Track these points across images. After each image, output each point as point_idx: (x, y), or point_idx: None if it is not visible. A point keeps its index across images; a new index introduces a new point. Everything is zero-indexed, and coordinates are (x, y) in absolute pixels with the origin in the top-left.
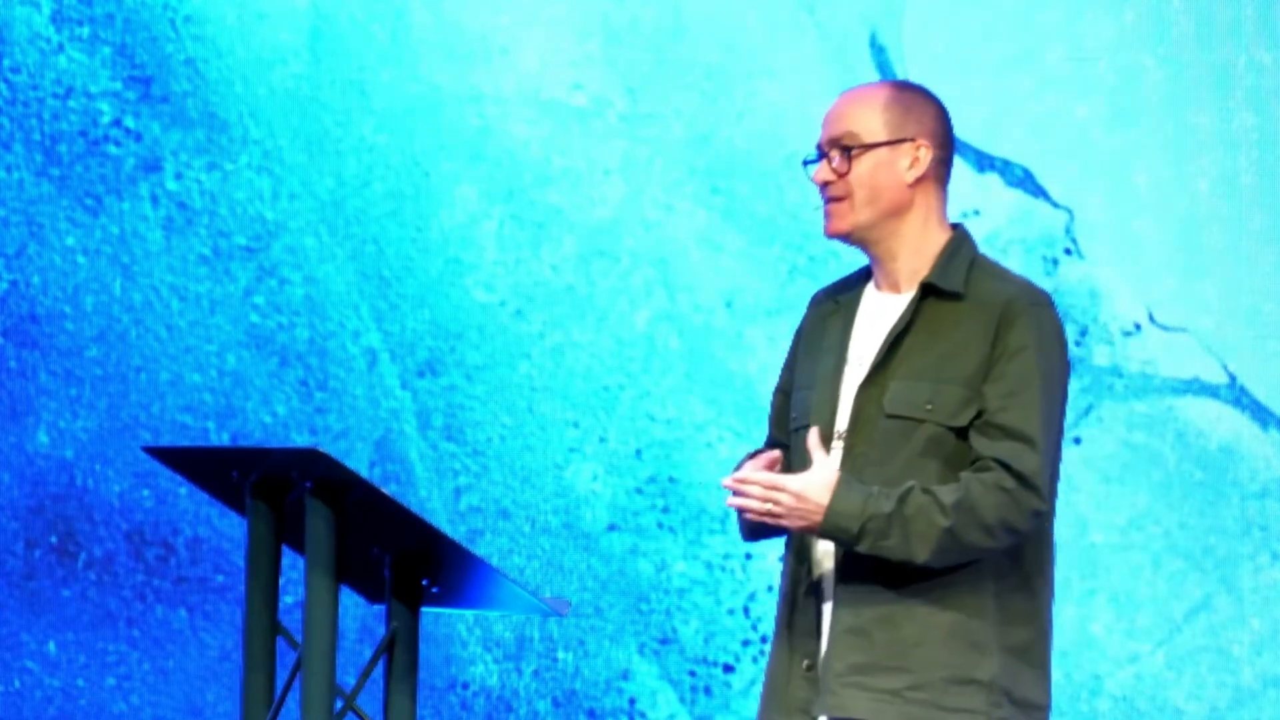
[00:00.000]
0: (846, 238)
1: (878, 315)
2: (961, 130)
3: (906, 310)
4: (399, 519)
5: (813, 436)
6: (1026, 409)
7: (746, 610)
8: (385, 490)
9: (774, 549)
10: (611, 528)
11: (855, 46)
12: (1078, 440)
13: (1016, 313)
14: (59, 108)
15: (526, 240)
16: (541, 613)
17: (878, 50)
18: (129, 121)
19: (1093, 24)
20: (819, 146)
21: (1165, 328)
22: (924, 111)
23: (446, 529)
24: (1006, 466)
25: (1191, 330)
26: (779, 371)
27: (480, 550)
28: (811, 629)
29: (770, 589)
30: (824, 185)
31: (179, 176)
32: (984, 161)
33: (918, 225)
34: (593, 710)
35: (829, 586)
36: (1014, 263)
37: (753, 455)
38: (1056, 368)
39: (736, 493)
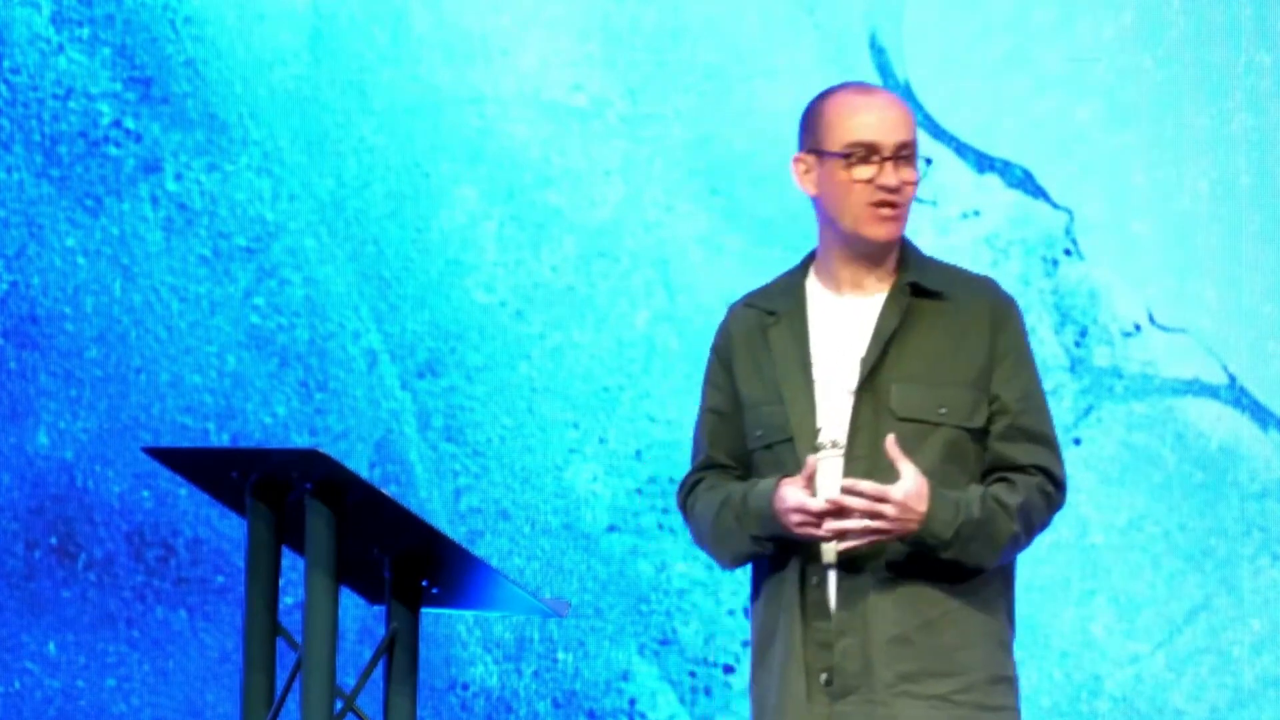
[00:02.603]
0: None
1: (842, 318)
2: (961, 131)
3: (890, 310)
4: (399, 520)
5: (892, 445)
6: (1040, 412)
7: (746, 611)
8: (385, 491)
9: None
10: (611, 529)
11: (855, 47)
12: (1078, 441)
13: (1005, 313)
14: (59, 109)
15: (526, 241)
16: (541, 613)
17: (878, 51)
18: (129, 122)
19: (1091, 25)
20: (892, 148)
21: (1165, 328)
22: None
23: (446, 530)
24: (1045, 471)
25: (1191, 330)
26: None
27: (480, 551)
28: (826, 641)
29: None
30: (899, 189)
31: (179, 177)
32: (984, 162)
33: None
34: (593, 711)
35: (838, 598)
36: (1014, 264)
37: (779, 480)
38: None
39: (837, 508)
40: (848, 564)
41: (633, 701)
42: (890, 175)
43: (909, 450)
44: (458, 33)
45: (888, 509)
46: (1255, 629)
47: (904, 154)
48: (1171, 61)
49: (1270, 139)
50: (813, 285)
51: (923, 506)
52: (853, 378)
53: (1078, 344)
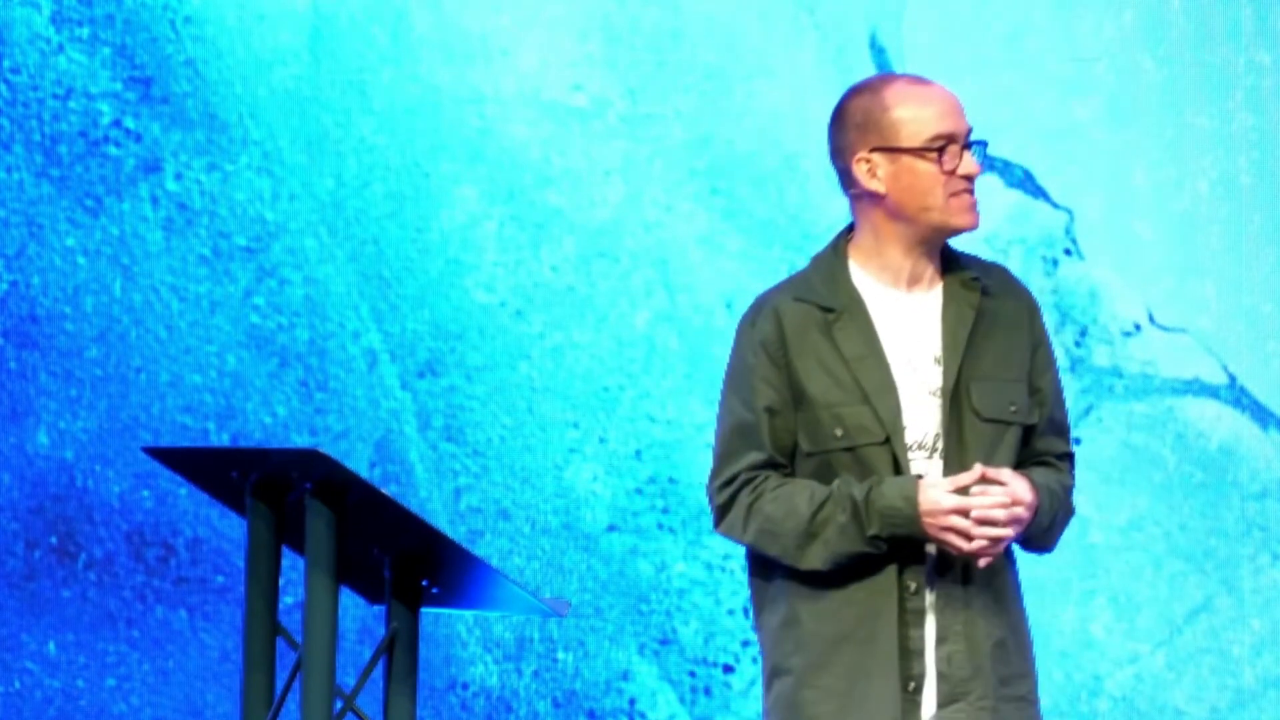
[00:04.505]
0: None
1: (905, 315)
2: None
3: (962, 308)
4: (399, 520)
5: (986, 472)
6: (1063, 402)
7: (747, 611)
8: (385, 491)
9: None
10: (611, 528)
11: (855, 47)
12: (1078, 441)
13: (1035, 306)
14: (59, 108)
15: (526, 241)
16: (541, 613)
17: (878, 51)
18: (129, 122)
19: (1092, 25)
20: (965, 136)
21: (1165, 328)
22: None
23: (446, 529)
24: (1071, 460)
25: (1191, 330)
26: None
27: (480, 551)
28: (919, 650)
29: None
30: (972, 177)
31: (179, 177)
32: (984, 161)
33: None
34: (593, 710)
35: (935, 604)
36: (1014, 263)
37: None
38: None
39: (982, 520)
40: (942, 570)
41: (633, 701)
42: (970, 164)
43: (990, 451)
44: (458, 33)
45: (1020, 511)
46: (1255, 629)
47: (973, 140)
48: (1172, 61)
49: (1271, 139)
50: (862, 279)
51: (1031, 497)
52: (931, 378)
53: (1078, 344)
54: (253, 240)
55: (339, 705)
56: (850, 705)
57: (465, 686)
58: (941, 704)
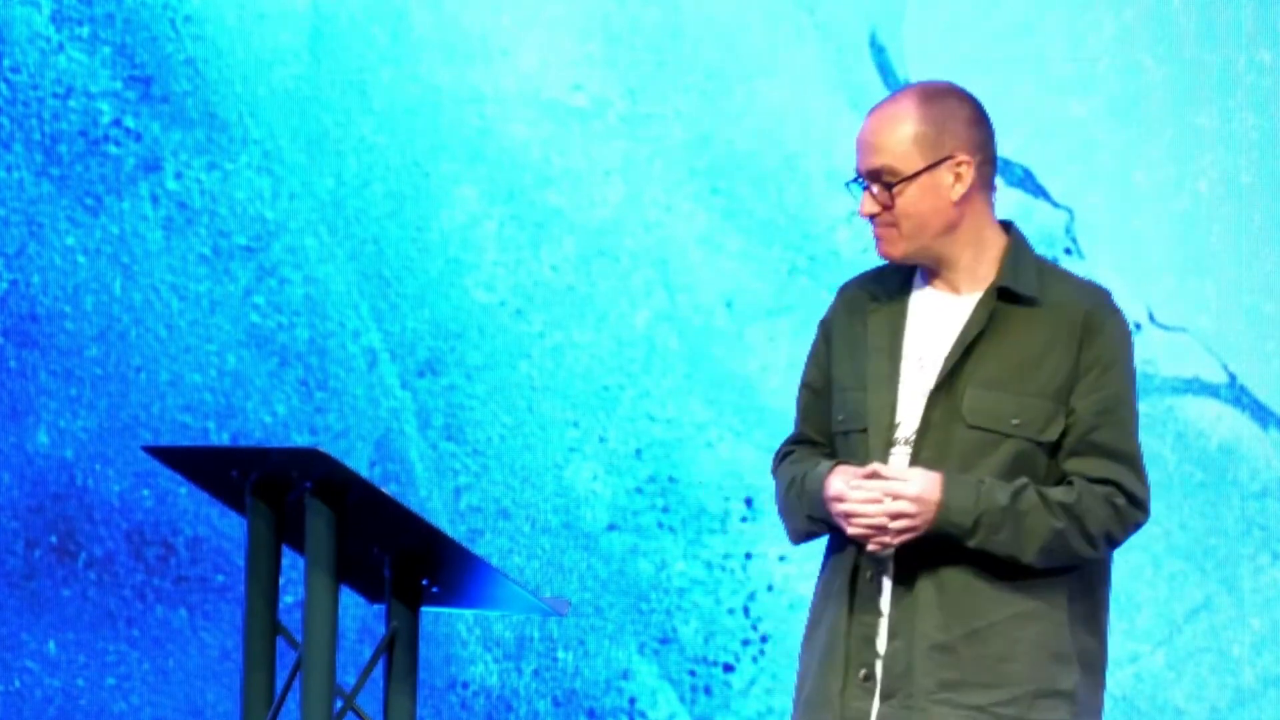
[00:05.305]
0: (901, 260)
1: (937, 315)
2: None
3: (978, 313)
4: (399, 519)
5: (881, 469)
6: (1122, 426)
7: (746, 610)
8: (385, 490)
9: (774, 548)
10: (611, 527)
11: (855, 46)
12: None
13: (1100, 322)
14: (59, 108)
15: (526, 240)
16: (541, 612)
17: (878, 50)
18: (129, 121)
19: (1093, 24)
20: (859, 173)
21: (1165, 327)
22: (956, 121)
23: (446, 529)
24: (1118, 485)
25: (1191, 330)
26: (803, 364)
27: (480, 550)
28: (870, 637)
29: (770, 589)
30: (870, 217)
31: (179, 176)
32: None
33: (972, 234)
34: (593, 710)
35: (893, 596)
36: None
37: (835, 464)
38: (1134, 376)
39: (852, 512)
40: (903, 561)
41: (633, 700)
42: (863, 205)
43: (974, 459)
44: (458, 33)
45: (904, 505)
46: (1255, 628)
47: (870, 182)
48: (1172, 60)
49: (1271, 138)
50: (919, 277)
51: (937, 495)
52: (933, 377)
53: None
54: (253, 239)
55: (339, 704)
56: (813, 679)
57: (465, 685)
58: (884, 697)
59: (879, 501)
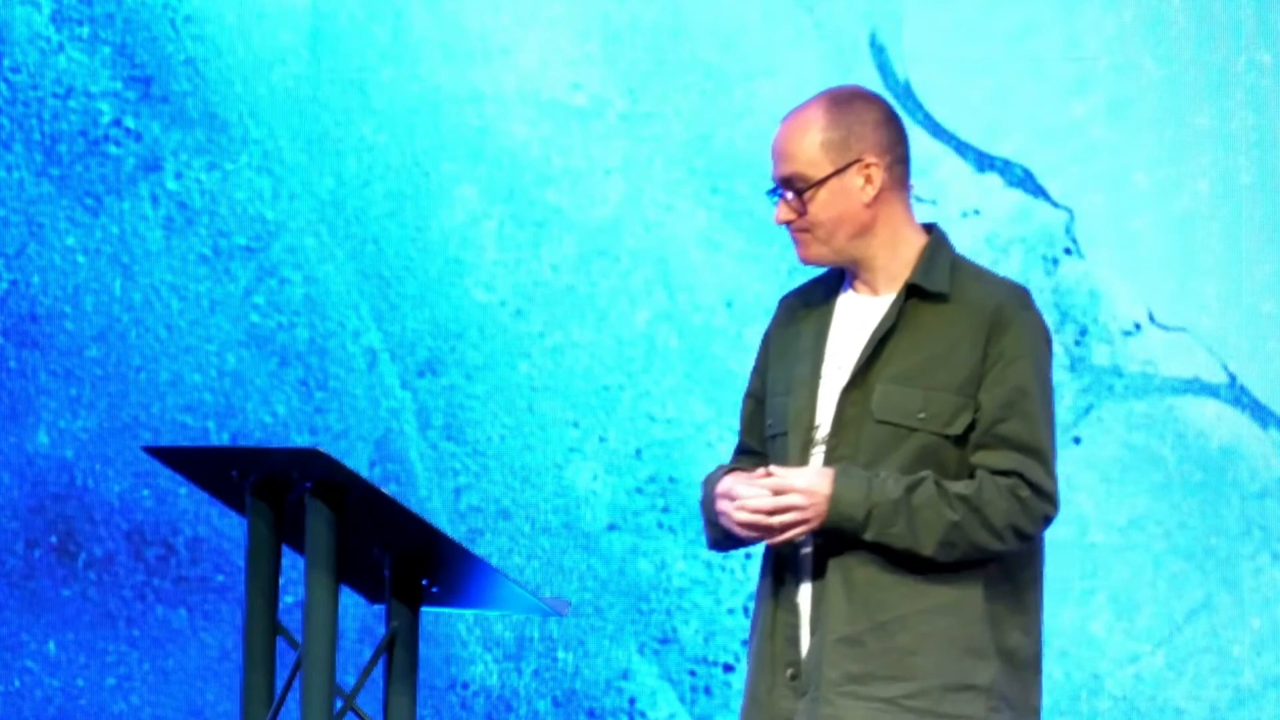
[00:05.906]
0: (819, 264)
1: (856, 317)
2: (961, 130)
3: (890, 311)
4: (399, 519)
5: (774, 469)
6: (1029, 419)
7: (746, 610)
8: (385, 490)
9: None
10: (611, 527)
11: (855, 46)
12: (1077, 440)
13: (1009, 318)
14: (59, 108)
15: (526, 240)
16: (541, 612)
17: (878, 50)
18: (129, 121)
19: (1092, 24)
20: (774, 182)
21: (1165, 327)
22: (863, 124)
23: (446, 529)
24: (1021, 477)
25: (1191, 330)
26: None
27: (480, 550)
28: (793, 636)
29: None
30: (786, 224)
31: (179, 176)
32: (984, 161)
33: (888, 234)
34: (593, 710)
35: (810, 593)
36: (1014, 263)
37: (729, 471)
38: (1048, 371)
39: (740, 509)
40: (819, 561)
41: (633, 700)
42: (777, 213)
43: (883, 453)
44: (458, 32)
45: (794, 498)
46: (1255, 628)
47: (783, 188)
48: (1172, 60)
49: (1271, 138)
50: (845, 282)
51: (827, 488)
52: (848, 376)
53: (1078, 343)
54: (253, 239)
55: (339, 704)
56: (749, 680)
57: (465, 686)
58: (799, 693)
59: (762, 497)
